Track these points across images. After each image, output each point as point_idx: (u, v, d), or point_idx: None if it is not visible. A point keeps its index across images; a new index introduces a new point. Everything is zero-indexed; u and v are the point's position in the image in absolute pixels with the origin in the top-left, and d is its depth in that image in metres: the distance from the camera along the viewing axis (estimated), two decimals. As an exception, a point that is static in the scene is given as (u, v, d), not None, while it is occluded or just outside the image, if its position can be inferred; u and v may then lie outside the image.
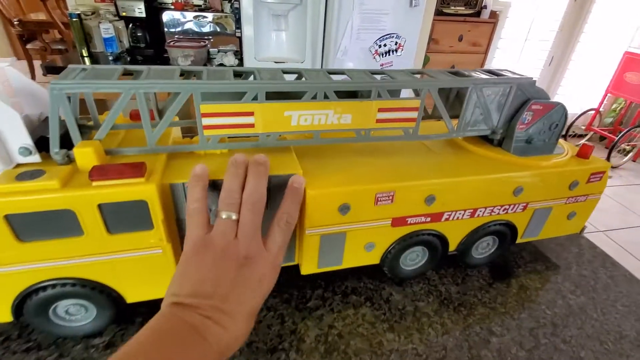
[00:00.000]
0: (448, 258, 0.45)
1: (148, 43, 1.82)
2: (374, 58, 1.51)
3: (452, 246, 0.44)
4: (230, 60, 1.77)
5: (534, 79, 0.43)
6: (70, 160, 0.31)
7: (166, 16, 1.75)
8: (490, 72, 0.44)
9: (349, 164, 0.39)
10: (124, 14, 1.70)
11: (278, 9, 1.41)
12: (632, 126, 2.38)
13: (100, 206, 0.29)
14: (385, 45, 1.48)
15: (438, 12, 1.75)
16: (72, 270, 0.31)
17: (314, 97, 0.35)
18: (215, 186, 0.32)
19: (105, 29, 1.75)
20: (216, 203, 0.30)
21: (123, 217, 0.30)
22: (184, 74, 0.34)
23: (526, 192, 0.42)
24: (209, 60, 1.78)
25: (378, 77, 0.38)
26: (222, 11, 1.88)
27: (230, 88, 0.32)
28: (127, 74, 0.34)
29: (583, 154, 0.45)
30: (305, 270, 0.40)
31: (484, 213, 0.43)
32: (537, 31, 2.33)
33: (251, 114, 0.34)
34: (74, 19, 1.69)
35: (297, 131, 0.36)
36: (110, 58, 1.78)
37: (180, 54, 1.70)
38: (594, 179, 0.45)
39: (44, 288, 0.31)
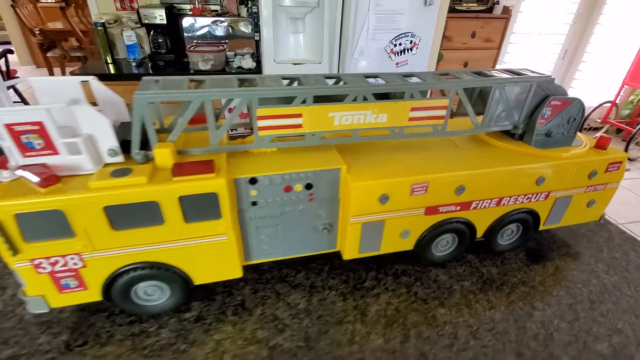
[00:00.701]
0: (475, 245, 0.48)
1: (169, 49, 1.88)
2: (390, 57, 1.54)
3: (480, 233, 0.48)
4: (248, 62, 1.82)
5: (552, 77, 0.47)
6: (147, 159, 0.36)
7: (185, 22, 1.82)
8: (510, 71, 0.47)
9: (385, 159, 0.43)
10: (146, 21, 1.77)
11: (296, 12, 1.46)
12: (650, 117, 2.35)
13: (180, 198, 0.34)
14: (400, 44, 1.51)
15: (450, 9, 1.76)
16: (152, 255, 0.36)
17: (354, 100, 0.39)
18: (254, 181, 0.37)
19: (128, 36, 1.82)
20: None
21: (197, 208, 0.35)
22: (241, 82, 0.39)
23: (548, 181, 0.46)
24: (227, 63, 1.84)
25: (410, 79, 0.42)
26: (239, 15, 1.93)
27: (284, 93, 0.37)
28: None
29: (601, 145, 0.48)
30: (348, 255, 0.44)
31: (508, 202, 0.46)
32: (551, 25, 2.32)
33: (300, 115, 0.38)
34: (99, 28, 1.76)
35: (338, 130, 0.41)
36: (134, 64, 1.85)
37: (200, 58, 1.76)
38: (612, 169, 0.48)
39: (128, 271, 0.36)
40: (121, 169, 0.34)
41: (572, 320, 0.41)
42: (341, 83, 0.41)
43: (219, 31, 1.90)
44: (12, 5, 3.00)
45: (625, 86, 2.35)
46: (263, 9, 1.44)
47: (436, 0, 1.44)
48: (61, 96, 0.37)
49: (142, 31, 1.88)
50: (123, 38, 1.84)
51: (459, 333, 0.39)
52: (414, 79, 0.43)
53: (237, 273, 0.41)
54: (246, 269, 0.41)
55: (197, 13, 1.90)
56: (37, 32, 2.83)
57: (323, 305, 0.41)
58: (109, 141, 0.34)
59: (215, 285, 0.43)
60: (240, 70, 1.76)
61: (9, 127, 0.30)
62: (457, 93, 0.42)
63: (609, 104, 2.52)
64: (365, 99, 0.39)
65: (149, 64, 1.93)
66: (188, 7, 2.00)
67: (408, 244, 0.46)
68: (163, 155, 0.35)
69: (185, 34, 1.90)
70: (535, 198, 0.47)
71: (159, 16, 1.76)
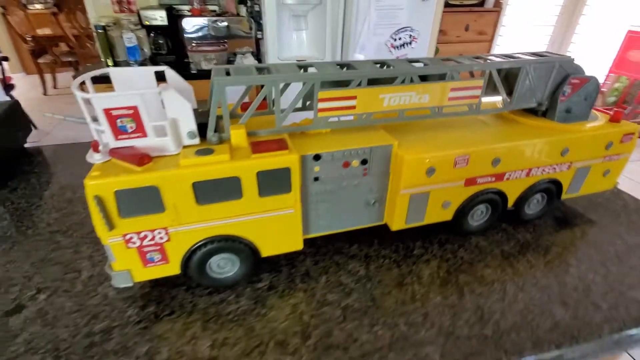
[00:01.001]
0: (505, 215, 0.53)
1: (170, 49, 1.89)
2: (390, 51, 1.59)
3: (510, 202, 0.53)
4: (249, 61, 1.84)
5: (571, 57, 0.51)
6: (221, 140, 0.39)
7: (185, 22, 1.83)
8: (534, 54, 0.52)
9: (426, 137, 0.47)
10: (146, 22, 1.77)
11: (298, 10, 1.49)
12: (636, 103, 2.46)
13: (257, 173, 0.37)
14: (400, 38, 1.56)
15: (445, 4, 1.82)
16: (228, 229, 0.40)
17: (403, 81, 0.43)
18: (318, 158, 0.40)
19: (128, 38, 1.83)
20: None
21: (270, 183, 0.38)
22: (301, 68, 0.42)
23: (571, 152, 0.51)
24: (228, 62, 1.86)
25: (448, 63, 0.46)
26: (238, 15, 1.95)
27: (344, 77, 0.40)
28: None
29: (615, 118, 0.53)
30: (396, 226, 0.48)
31: (537, 172, 0.51)
32: (538, 17, 2.41)
33: (354, 97, 0.42)
34: (100, 31, 1.76)
35: (387, 110, 0.45)
36: (135, 66, 1.85)
37: (202, 58, 1.77)
38: (626, 140, 0.53)
39: (206, 244, 0.40)
40: (204, 149, 0.37)
41: (605, 274, 0.45)
42: (392, 67, 0.45)
43: (219, 31, 1.92)
44: (2, 13, 2.95)
45: (610, 74, 2.46)
46: (267, 7, 1.46)
47: (434, -5, 1.49)
48: (135, 85, 0.40)
49: (142, 33, 1.88)
50: (123, 40, 1.84)
51: (507, 289, 0.43)
52: (452, 63, 0.47)
53: (299, 245, 0.44)
54: (304, 243, 0.44)
55: (196, 13, 1.92)
56: (28, 38, 2.78)
57: (380, 272, 0.45)
58: (189, 124, 0.37)
59: (279, 259, 0.46)
60: (243, 68, 1.78)
61: (107, 111, 0.33)
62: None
63: (596, 92, 2.62)
64: (412, 80, 0.43)
65: (150, 65, 1.94)
66: (187, 7, 2.01)
67: (448, 215, 0.50)
68: (239, 135, 0.38)
69: (185, 35, 1.91)
70: (559, 168, 0.52)
71: (160, 17, 1.77)
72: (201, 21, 1.85)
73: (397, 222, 0.48)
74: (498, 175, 0.49)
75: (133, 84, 0.39)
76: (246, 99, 0.45)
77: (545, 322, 0.39)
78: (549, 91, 0.52)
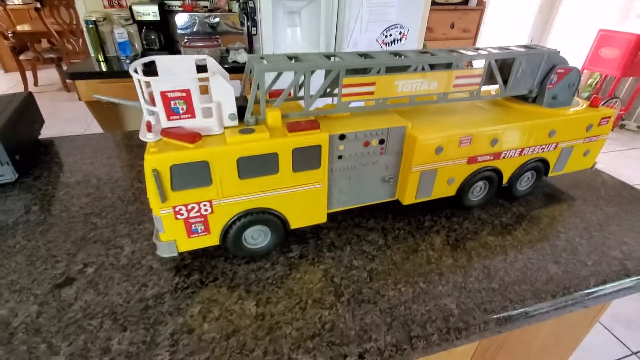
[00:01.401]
0: (499, 191, 0.59)
1: (162, 45, 1.89)
2: (381, 47, 1.65)
3: (505, 179, 0.59)
4: (243, 57, 1.86)
5: (557, 50, 0.58)
6: (257, 122, 0.43)
7: (178, 18, 1.83)
8: (525, 46, 0.58)
9: (433, 120, 0.53)
10: (139, 18, 1.77)
11: (293, 6, 1.52)
12: (608, 97, 2.63)
13: (293, 150, 0.41)
14: (391, 35, 1.62)
15: (432, 2, 1.90)
16: (264, 202, 0.44)
17: (415, 69, 0.48)
18: (343, 137, 0.45)
19: (120, 34, 1.81)
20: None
21: (303, 159, 0.43)
22: (328, 57, 0.47)
23: (557, 134, 0.57)
24: (222, 58, 1.88)
25: (454, 54, 0.52)
26: (230, 11, 1.97)
27: (366, 64, 0.45)
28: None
29: (594, 104, 0.61)
30: (407, 201, 0.53)
31: (528, 152, 0.57)
32: (518, 15, 2.53)
33: (373, 84, 0.47)
34: (90, 26, 1.74)
35: (400, 96, 0.50)
36: (127, 62, 1.85)
37: (195, 54, 1.79)
38: (604, 122, 0.61)
39: (244, 216, 0.44)
40: (246, 129, 0.41)
41: (589, 238, 0.52)
42: (403, 57, 0.50)
43: (211, 27, 1.93)
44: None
45: (584, 70, 2.61)
46: (262, 4, 1.49)
47: (423, -7, 1.56)
48: (177, 72, 0.43)
49: (133, 28, 1.87)
50: (114, 35, 1.83)
51: (508, 252, 0.49)
52: (455, 54, 0.53)
53: (323, 218, 0.49)
54: (327, 218, 0.49)
55: (188, 9, 1.92)
56: (9, 34, 2.70)
57: (398, 241, 0.50)
58: (230, 107, 0.41)
59: (304, 233, 0.51)
60: (236, 64, 1.80)
61: (163, 94, 0.37)
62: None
63: (570, 87, 2.78)
64: (423, 69, 0.49)
65: (143, 61, 1.92)
66: (178, 3, 2.01)
67: (452, 190, 0.56)
68: (275, 117, 0.42)
69: (177, 30, 1.91)
70: (547, 148, 0.59)
71: (152, 13, 1.77)
72: (193, 17, 1.86)
73: (408, 197, 0.53)
74: (496, 154, 0.55)
75: (175, 71, 0.43)
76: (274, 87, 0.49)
77: (541, 277, 0.46)
78: (538, 80, 0.58)
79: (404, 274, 0.45)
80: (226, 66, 1.79)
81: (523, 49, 0.56)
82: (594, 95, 0.63)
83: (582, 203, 0.61)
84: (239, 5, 1.93)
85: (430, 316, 0.40)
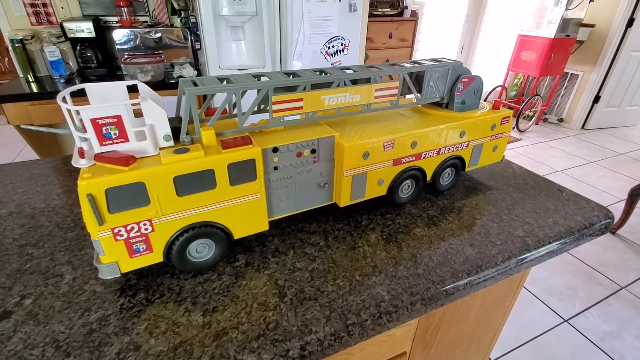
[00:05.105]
0: (426, 187, 0.67)
1: (100, 62, 1.82)
2: (325, 58, 1.73)
3: (428, 177, 0.67)
4: (189, 71, 1.85)
5: (460, 61, 0.67)
6: (192, 141, 0.46)
7: (117, 34, 1.78)
8: (434, 60, 0.66)
9: (359, 128, 0.59)
10: (72, 35, 1.69)
11: (235, 21, 1.55)
12: (531, 95, 2.95)
13: (228, 165, 0.44)
14: (333, 46, 1.71)
15: (369, 15, 2.02)
16: (204, 216, 0.46)
17: (339, 85, 0.54)
18: (276, 150, 0.49)
19: (51, 52, 1.73)
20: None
21: (239, 173, 0.46)
22: (256, 77, 0.51)
23: (467, 134, 0.66)
24: (166, 73, 1.84)
25: (372, 70, 0.58)
26: (172, 25, 1.94)
27: (292, 83, 0.50)
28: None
29: (496, 107, 0.71)
30: (343, 203, 0.58)
31: (445, 151, 0.65)
32: (449, 24, 2.77)
33: (301, 99, 0.52)
34: (17, 44, 1.64)
35: (327, 109, 0.55)
36: (61, 81, 1.75)
37: (138, 70, 1.74)
38: (505, 122, 0.71)
39: (186, 231, 0.46)
40: (180, 148, 0.43)
41: (499, 221, 0.61)
42: (329, 74, 0.56)
43: (152, 42, 1.89)
44: None
45: (510, 72, 2.91)
46: (204, 19, 1.51)
47: (359, 7, 1.66)
48: (108, 98, 0.45)
49: (66, 46, 1.79)
50: (45, 54, 1.73)
51: (433, 240, 0.56)
52: (374, 69, 0.59)
53: (265, 226, 0.53)
54: (270, 226, 0.53)
55: (126, 25, 1.87)
56: None
57: (337, 241, 0.55)
58: (164, 129, 0.43)
59: (250, 241, 0.54)
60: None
61: (94, 121, 0.38)
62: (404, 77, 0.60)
63: (500, 88, 3.08)
64: (345, 84, 0.54)
65: (78, 80, 1.84)
66: (115, 19, 1.95)
67: (382, 190, 0.62)
68: (209, 135, 0.45)
69: (116, 47, 1.85)
70: (461, 147, 0.67)
71: (87, 29, 1.70)
72: (133, 32, 1.81)
73: (344, 199, 0.58)
74: (417, 155, 0.62)
75: (107, 96, 0.44)
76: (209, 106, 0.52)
77: (459, 259, 0.53)
78: (448, 88, 0.67)
79: (342, 270, 0.50)
80: (172, 81, 1.77)
81: (432, 62, 0.64)
82: (496, 100, 0.73)
83: (495, 192, 0.71)
84: (181, 20, 1.92)
85: (364, 305, 0.45)
